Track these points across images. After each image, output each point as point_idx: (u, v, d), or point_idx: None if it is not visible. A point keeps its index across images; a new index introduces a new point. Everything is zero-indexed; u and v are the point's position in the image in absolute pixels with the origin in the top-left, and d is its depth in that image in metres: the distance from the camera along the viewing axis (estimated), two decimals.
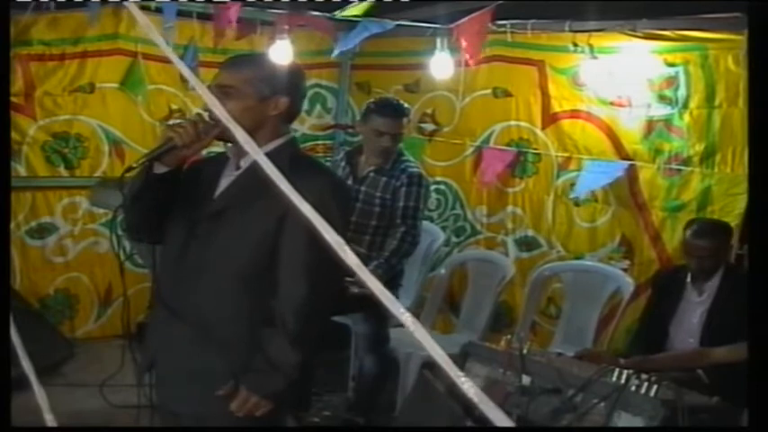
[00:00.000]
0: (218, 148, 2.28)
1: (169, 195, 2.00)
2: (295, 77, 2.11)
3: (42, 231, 4.40)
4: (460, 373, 0.66)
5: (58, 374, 3.96)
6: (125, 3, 1.08)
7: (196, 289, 1.99)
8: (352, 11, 4.16)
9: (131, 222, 2.07)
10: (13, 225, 4.28)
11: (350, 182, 3.62)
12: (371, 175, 3.55)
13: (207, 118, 1.95)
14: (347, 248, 0.71)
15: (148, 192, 1.96)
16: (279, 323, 1.94)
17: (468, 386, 0.65)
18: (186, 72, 0.90)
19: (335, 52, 4.44)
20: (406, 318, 0.68)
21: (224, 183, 2.05)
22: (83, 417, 3.52)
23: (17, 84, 4.20)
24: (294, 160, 1.99)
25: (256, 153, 0.80)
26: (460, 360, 2.76)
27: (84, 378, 3.83)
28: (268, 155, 2.09)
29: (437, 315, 4.33)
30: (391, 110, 3.51)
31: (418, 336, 0.67)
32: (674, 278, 3.23)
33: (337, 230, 2.00)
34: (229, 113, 2.04)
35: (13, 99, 4.19)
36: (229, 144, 2.08)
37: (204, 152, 2.19)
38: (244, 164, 2.02)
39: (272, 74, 2.03)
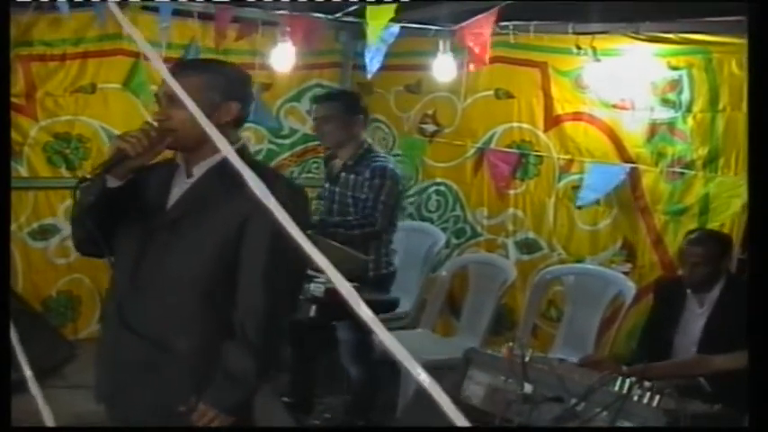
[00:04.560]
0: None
1: (121, 209, 1.95)
2: (243, 82, 2.08)
3: (44, 233, 4.39)
4: (420, 371, 0.65)
5: (59, 376, 3.96)
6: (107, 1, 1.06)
7: (151, 302, 1.94)
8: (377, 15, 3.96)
9: (82, 236, 2.00)
10: (14, 227, 4.28)
11: (326, 184, 3.68)
12: (342, 175, 3.61)
13: (155, 126, 1.91)
14: (315, 250, 0.68)
15: (101, 206, 1.91)
16: (238, 334, 1.90)
17: (429, 384, 0.64)
18: (166, 75, 0.90)
19: (370, 73, 4.35)
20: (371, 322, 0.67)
21: (176, 192, 2.00)
22: (83, 419, 3.52)
23: (18, 84, 4.19)
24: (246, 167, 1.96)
25: (228, 151, 0.77)
26: (462, 367, 2.77)
27: (86, 380, 3.83)
28: (219, 163, 2.07)
29: (438, 317, 4.33)
30: (322, 97, 3.87)
31: (381, 336, 0.66)
32: (675, 288, 3.23)
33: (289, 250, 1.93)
34: (180, 122, 2.03)
35: (14, 100, 4.18)
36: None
37: None
38: (197, 172, 1.98)
39: (221, 80, 1.99)
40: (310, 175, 5.35)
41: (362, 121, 3.69)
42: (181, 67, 2.08)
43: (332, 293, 2.99)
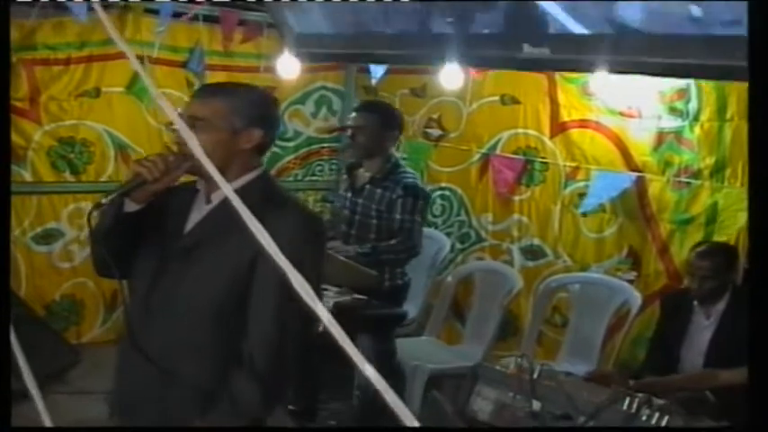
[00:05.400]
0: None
1: (139, 232, 1.94)
2: (268, 108, 2.04)
3: (48, 237, 4.38)
4: (367, 366, 0.66)
5: (62, 382, 3.96)
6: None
7: (163, 326, 1.94)
8: None
9: (101, 259, 1.98)
10: (18, 231, 4.27)
11: (348, 194, 3.64)
12: (368, 187, 3.57)
13: (176, 150, 1.89)
14: (317, 300, 0.69)
15: (119, 230, 1.90)
16: (246, 363, 1.89)
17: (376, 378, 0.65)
18: (153, 90, 0.90)
19: (374, 78, 4.30)
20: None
21: (194, 217, 1.98)
22: (87, 424, 3.52)
23: (22, 89, 4.18)
24: (266, 196, 1.93)
25: (228, 191, 0.79)
26: (470, 382, 2.76)
27: (90, 385, 3.84)
28: (239, 190, 2.05)
29: (443, 324, 4.32)
30: (362, 107, 3.72)
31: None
32: (682, 301, 3.23)
33: (310, 270, 1.98)
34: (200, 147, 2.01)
35: (18, 104, 4.17)
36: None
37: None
38: (215, 198, 1.96)
39: (245, 105, 1.95)
40: (314, 177, 5.35)
41: (396, 136, 3.67)
42: (204, 91, 2.04)
43: (341, 309, 2.99)
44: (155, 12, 4.25)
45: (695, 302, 3.18)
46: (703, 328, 3.17)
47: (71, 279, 4.47)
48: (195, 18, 4.41)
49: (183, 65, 4.60)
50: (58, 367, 3.97)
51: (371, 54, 3.15)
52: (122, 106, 4.47)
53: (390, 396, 0.63)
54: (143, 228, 1.94)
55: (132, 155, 4.50)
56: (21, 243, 4.29)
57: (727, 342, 3.06)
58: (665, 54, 1.82)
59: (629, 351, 3.87)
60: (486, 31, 2.17)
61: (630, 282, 3.99)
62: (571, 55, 1.92)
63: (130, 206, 1.88)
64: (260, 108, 1.99)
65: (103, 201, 1.86)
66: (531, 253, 4.49)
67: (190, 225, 1.98)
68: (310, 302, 0.69)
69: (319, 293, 2.22)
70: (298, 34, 2.80)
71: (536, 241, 4.46)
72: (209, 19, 4.49)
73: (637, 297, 3.76)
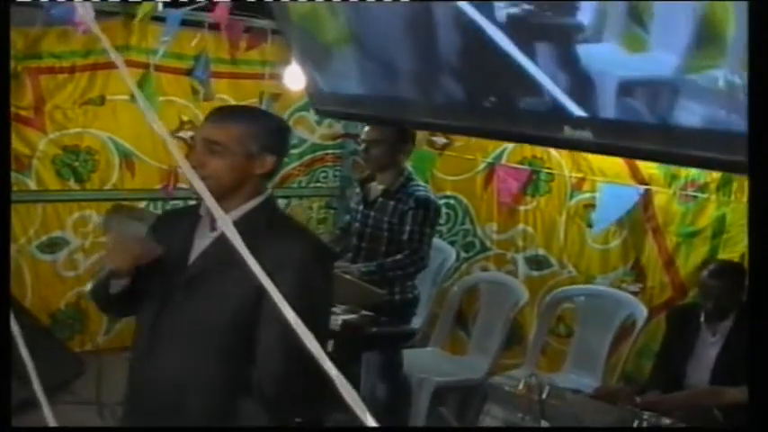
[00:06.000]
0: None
1: (140, 274, 1.94)
2: (283, 135, 2.04)
3: (53, 246, 4.38)
4: (330, 365, 0.67)
5: (68, 392, 3.96)
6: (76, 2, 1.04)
7: (171, 357, 1.93)
8: None
9: (104, 310, 2.11)
10: (23, 240, 4.27)
11: (360, 207, 3.63)
12: (380, 200, 3.56)
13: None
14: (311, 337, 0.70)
15: (116, 304, 1.99)
16: (255, 392, 1.88)
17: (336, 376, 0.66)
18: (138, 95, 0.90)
19: None
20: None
21: (199, 245, 1.95)
22: None
23: (27, 97, 4.17)
24: (272, 221, 1.93)
25: (228, 225, 0.80)
26: (479, 401, 2.77)
27: (95, 395, 3.84)
28: (247, 214, 2.05)
29: (448, 334, 4.33)
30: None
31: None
32: (688, 317, 3.24)
33: (319, 294, 1.98)
34: (214, 171, 2.00)
35: (23, 113, 4.16)
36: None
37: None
38: (221, 224, 1.95)
39: (262, 132, 1.95)
40: (318, 184, 5.34)
41: (410, 149, 3.66)
42: (222, 115, 2.01)
43: (349, 328, 2.98)
44: (161, 19, 4.23)
45: (702, 319, 3.19)
46: (710, 345, 3.18)
47: (75, 287, 4.47)
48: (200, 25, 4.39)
49: (188, 72, 4.59)
50: (63, 378, 3.97)
51: (408, 121, 3.08)
52: (127, 114, 4.45)
53: (349, 393, 0.65)
54: (142, 270, 1.93)
55: (137, 162, 4.50)
56: (25, 252, 4.29)
57: (733, 359, 3.07)
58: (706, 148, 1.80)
59: (635, 363, 3.87)
60: (524, 107, 2.11)
61: (635, 294, 3.99)
62: (612, 140, 1.90)
63: (116, 286, 1.91)
64: (276, 136, 1.99)
65: (89, 285, 1.91)
66: (536, 263, 4.49)
67: (194, 254, 1.95)
68: (305, 341, 0.70)
69: (329, 316, 2.21)
70: (322, 91, 2.73)
71: (541, 251, 4.46)
72: (214, 26, 4.47)
73: (642, 310, 3.77)
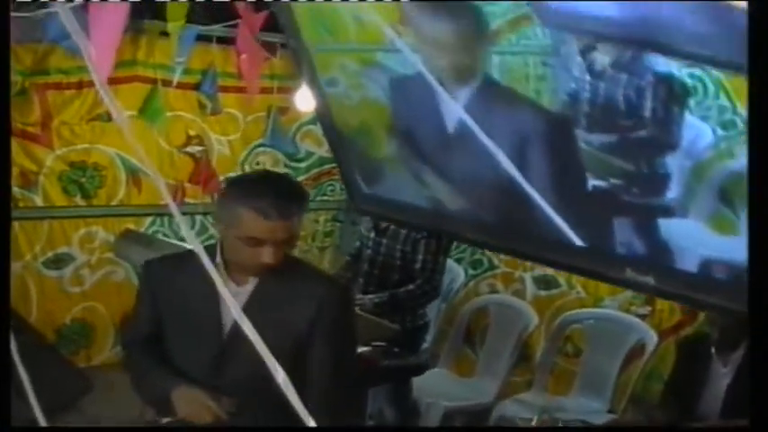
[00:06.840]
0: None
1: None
2: (300, 203, 1.97)
3: (59, 262, 4.35)
4: (279, 368, 0.76)
5: (76, 411, 3.94)
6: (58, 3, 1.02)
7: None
8: None
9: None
10: (29, 257, 4.24)
11: (372, 234, 3.60)
12: (392, 227, 3.52)
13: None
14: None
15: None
16: None
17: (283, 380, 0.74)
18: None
19: None
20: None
21: (228, 306, 1.97)
22: None
23: (34, 114, 4.13)
24: (293, 270, 1.96)
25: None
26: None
27: (104, 411, 3.83)
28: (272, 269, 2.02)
29: (456, 356, 4.31)
30: None
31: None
32: (699, 348, 3.23)
33: (343, 339, 2.03)
34: (286, 232, 1.95)
35: (30, 129, 4.13)
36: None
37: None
38: (249, 278, 1.94)
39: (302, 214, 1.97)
40: (325, 197, 5.32)
41: None
42: (282, 208, 1.89)
43: (362, 361, 2.96)
44: (168, 34, 4.20)
45: (713, 350, 3.17)
46: (721, 376, 3.16)
47: (81, 303, 4.45)
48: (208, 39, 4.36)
49: (196, 87, 4.56)
50: (71, 396, 3.95)
51: (452, 234, 3.04)
52: (134, 130, 4.41)
53: (292, 395, 0.71)
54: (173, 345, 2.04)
55: (143, 178, 4.47)
56: (32, 268, 4.26)
57: (744, 390, 3.05)
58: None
59: (644, 385, 3.87)
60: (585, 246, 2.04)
61: (644, 316, 3.98)
62: (673, 289, 1.86)
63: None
64: (293, 202, 1.95)
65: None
66: (545, 283, 4.47)
67: (226, 314, 1.92)
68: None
69: (355, 355, 2.24)
70: (365, 193, 2.68)
71: (549, 271, 4.44)
72: (222, 41, 4.44)
73: (652, 336, 3.76)
